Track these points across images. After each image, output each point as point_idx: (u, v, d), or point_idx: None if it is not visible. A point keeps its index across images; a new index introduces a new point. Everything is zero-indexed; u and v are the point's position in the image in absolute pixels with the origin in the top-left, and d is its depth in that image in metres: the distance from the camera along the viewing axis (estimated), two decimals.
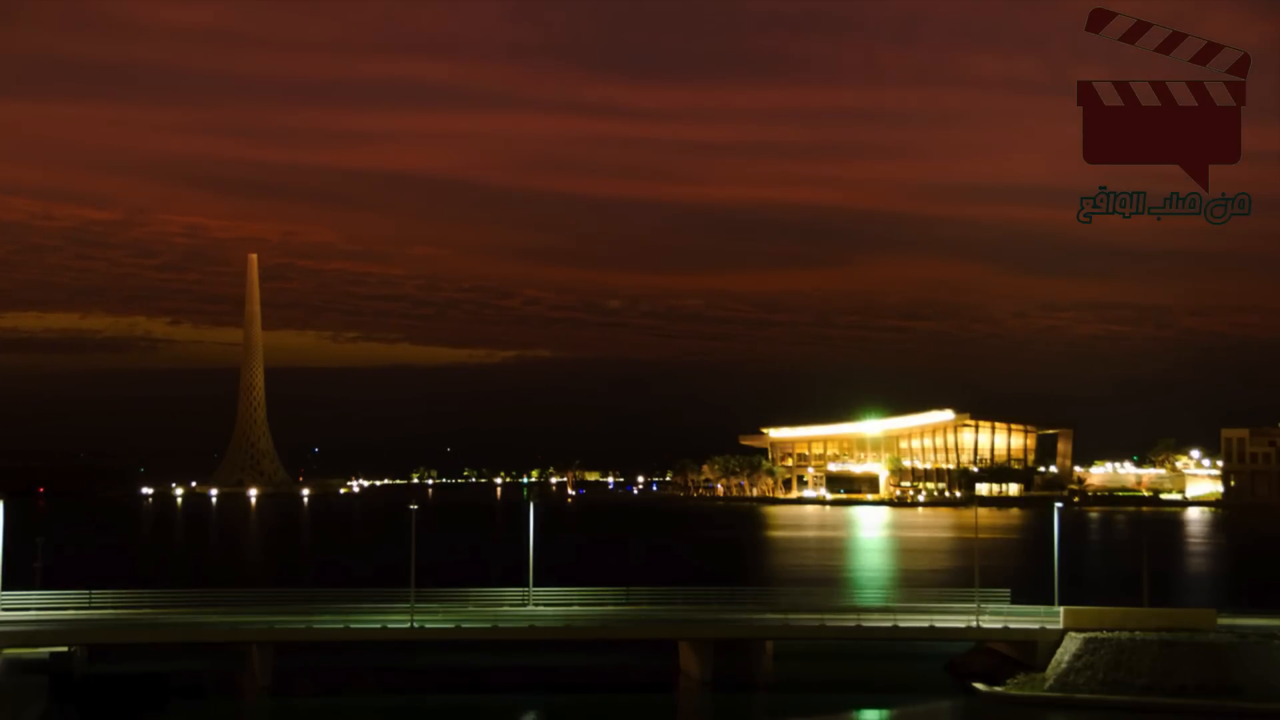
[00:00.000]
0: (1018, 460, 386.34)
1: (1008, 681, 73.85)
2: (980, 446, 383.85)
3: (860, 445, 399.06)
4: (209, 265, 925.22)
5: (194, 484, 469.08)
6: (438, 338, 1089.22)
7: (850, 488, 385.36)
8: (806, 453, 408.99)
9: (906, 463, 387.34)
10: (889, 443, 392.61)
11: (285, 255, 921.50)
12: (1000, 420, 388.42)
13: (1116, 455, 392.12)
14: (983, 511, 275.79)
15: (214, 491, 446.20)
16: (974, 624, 78.61)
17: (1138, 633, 72.81)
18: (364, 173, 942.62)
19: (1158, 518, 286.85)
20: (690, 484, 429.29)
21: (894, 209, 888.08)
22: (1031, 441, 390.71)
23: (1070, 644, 73.01)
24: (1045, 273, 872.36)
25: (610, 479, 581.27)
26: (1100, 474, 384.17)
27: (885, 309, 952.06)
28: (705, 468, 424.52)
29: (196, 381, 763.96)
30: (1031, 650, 75.37)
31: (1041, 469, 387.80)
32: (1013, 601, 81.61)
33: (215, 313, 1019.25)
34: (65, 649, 74.54)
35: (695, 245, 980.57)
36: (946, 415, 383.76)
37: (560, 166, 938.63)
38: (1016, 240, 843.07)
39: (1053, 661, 73.34)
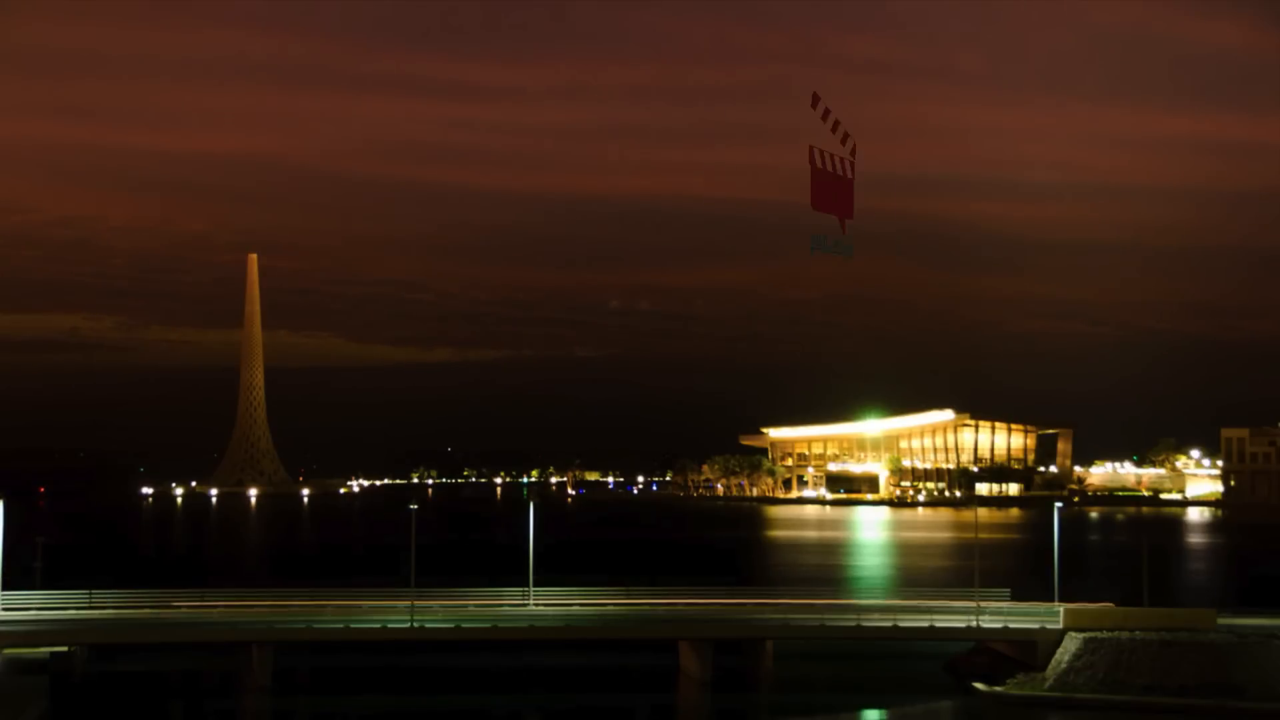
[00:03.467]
0: (1018, 460, 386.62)
1: (1008, 681, 73.85)
2: (980, 446, 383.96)
3: (860, 445, 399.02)
4: (101, 258, 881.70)
5: (194, 484, 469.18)
6: (369, 335, 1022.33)
7: (850, 488, 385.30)
8: (806, 453, 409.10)
9: (906, 463, 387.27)
10: (889, 443, 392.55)
11: (171, 247, 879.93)
12: (1000, 420, 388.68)
13: (1116, 455, 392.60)
14: (983, 511, 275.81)
15: (214, 491, 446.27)
16: (974, 624, 78.63)
17: (1138, 633, 72.81)
18: (214, 157, 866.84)
19: (1158, 518, 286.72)
20: (690, 484, 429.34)
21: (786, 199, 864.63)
22: (1031, 441, 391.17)
23: (1070, 644, 72.99)
24: (958, 268, 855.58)
25: (610, 479, 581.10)
26: (1100, 474, 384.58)
27: (811, 304, 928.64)
28: (705, 467, 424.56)
29: (162, 381, 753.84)
30: (1031, 650, 75.37)
31: (1041, 469, 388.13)
32: (1013, 601, 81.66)
33: (137, 309, 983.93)
34: (65, 649, 74.55)
35: (587, 236, 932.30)
36: (946, 415, 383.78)
37: (416, 154, 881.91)
38: (929, 233, 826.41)
39: (1053, 661, 73.32)
